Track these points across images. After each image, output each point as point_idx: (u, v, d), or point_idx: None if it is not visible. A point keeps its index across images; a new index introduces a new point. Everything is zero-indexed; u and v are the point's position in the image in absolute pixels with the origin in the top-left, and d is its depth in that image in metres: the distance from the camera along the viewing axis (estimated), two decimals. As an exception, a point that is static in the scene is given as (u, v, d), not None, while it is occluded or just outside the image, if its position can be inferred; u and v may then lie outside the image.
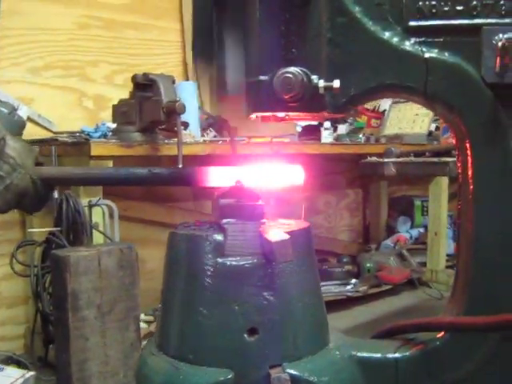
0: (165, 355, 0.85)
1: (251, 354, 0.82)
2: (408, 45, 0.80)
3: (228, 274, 0.81)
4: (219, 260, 0.81)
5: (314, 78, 0.76)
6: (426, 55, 0.80)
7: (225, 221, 0.84)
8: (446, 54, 0.80)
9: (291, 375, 0.81)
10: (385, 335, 0.92)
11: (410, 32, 0.80)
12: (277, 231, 0.77)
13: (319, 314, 0.88)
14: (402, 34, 0.80)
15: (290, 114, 0.80)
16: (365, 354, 0.90)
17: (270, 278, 0.80)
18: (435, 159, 2.10)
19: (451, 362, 0.90)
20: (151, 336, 2.71)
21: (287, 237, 0.74)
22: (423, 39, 0.80)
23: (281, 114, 0.81)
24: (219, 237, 0.83)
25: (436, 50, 0.80)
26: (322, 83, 0.76)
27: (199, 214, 3.29)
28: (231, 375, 0.80)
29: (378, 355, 0.91)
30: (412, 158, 2.19)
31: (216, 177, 0.89)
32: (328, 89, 0.75)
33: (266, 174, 0.91)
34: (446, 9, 0.78)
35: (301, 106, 0.77)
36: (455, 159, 2.08)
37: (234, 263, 0.81)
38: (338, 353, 0.88)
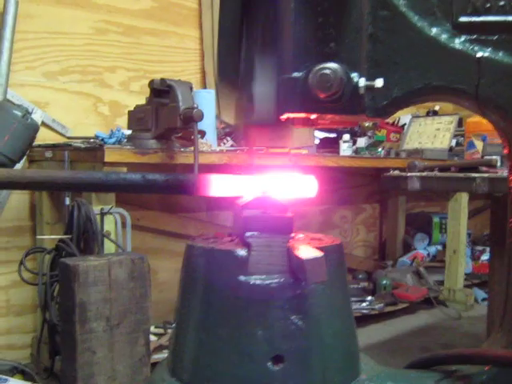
0: (178, 382, 0.76)
1: (275, 385, 0.73)
2: (458, 43, 0.71)
3: (252, 294, 0.71)
4: (242, 278, 0.72)
5: (354, 76, 0.68)
6: (478, 55, 0.71)
7: (249, 234, 0.75)
8: (501, 53, 0.71)
9: (319, 410, 0.72)
10: (422, 365, 0.82)
11: (461, 29, 0.71)
12: (308, 247, 0.69)
13: (351, 340, 0.78)
14: (451, 31, 0.71)
15: (325, 116, 0.72)
16: (402, 388, 0.81)
17: (298, 300, 0.71)
18: (461, 174, 2.01)
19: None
20: (161, 349, 2.64)
21: (321, 254, 0.65)
22: (475, 37, 0.71)
23: (314, 117, 0.73)
24: (242, 252, 0.74)
25: (489, 49, 0.71)
26: (362, 82, 0.68)
27: (213, 226, 3.24)
28: (252, 408, 0.72)
29: (417, 389, 0.82)
30: (437, 173, 2.10)
31: (220, 186, 0.80)
32: (369, 89, 0.67)
33: (276, 184, 0.82)
34: (502, 3, 0.70)
35: (338, 108, 0.69)
36: (482, 175, 2.02)
37: (258, 282, 0.71)
38: (371, 385, 0.79)
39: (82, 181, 0.76)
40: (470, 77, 0.70)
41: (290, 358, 0.71)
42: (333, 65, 0.67)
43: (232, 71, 0.81)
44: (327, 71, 0.66)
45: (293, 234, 0.78)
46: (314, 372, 0.73)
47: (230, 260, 0.73)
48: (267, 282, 0.72)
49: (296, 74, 0.68)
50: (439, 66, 0.71)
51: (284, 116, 0.73)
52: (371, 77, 0.68)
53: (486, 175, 1.91)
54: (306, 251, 0.67)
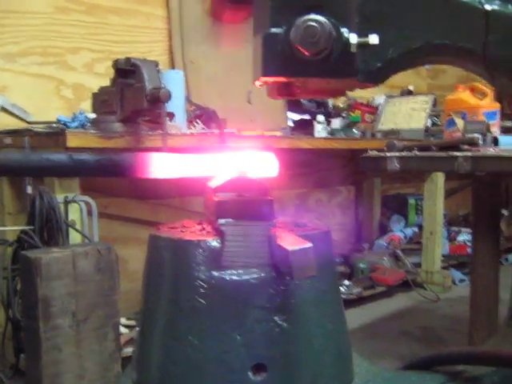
0: (143, 395, 0.65)
1: (257, 399, 0.62)
2: (463, -6, 0.62)
3: (227, 292, 0.60)
4: (215, 273, 0.61)
5: (344, 31, 0.58)
6: (487, 7, 0.60)
7: (222, 221, 0.63)
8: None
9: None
10: (422, 366, 0.73)
11: (466, -23, 0.62)
12: (293, 236, 0.58)
13: (343, 341, 0.68)
14: (455, -20, 0.62)
15: (309, 81, 0.61)
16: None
17: (282, 298, 0.60)
18: (443, 154, 1.93)
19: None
20: (132, 343, 2.53)
21: (309, 245, 0.54)
22: (482, -13, 0.62)
23: (295, 81, 0.62)
24: (215, 242, 0.63)
25: (498, 2, 0.61)
26: (354, 38, 0.57)
27: (187, 212, 3.14)
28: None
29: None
30: (417, 153, 2.02)
31: (162, 165, 0.68)
32: (362, 46, 0.57)
33: (230, 163, 0.70)
34: None
35: (325, 69, 0.58)
36: (465, 154, 1.94)
37: (234, 278, 0.60)
38: (366, 392, 0.69)
39: None
40: (477, 33, 0.60)
41: (273, 367, 0.60)
42: (319, 17, 0.56)
43: None
44: (313, 23, 0.55)
45: (274, 221, 0.67)
46: (302, 381, 0.63)
47: (200, 252, 0.62)
48: (245, 277, 0.61)
49: (275, 30, 0.57)
50: (441, 21, 0.60)
51: (260, 81, 0.62)
52: (363, 34, 0.58)
53: (468, 154, 1.83)
54: (291, 241, 0.56)
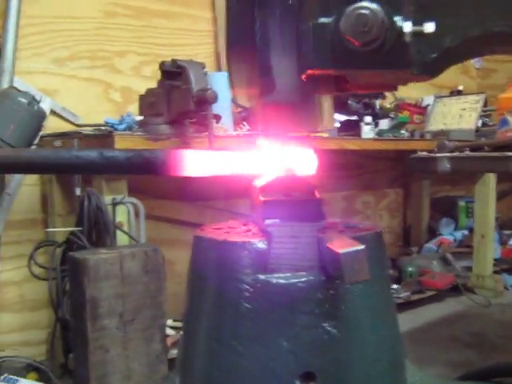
0: (187, 401, 0.63)
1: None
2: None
3: (273, 296, 0.57)
4: (261, 276, 0.58)
5: (398, 19, 0.54)
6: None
7: (269, 222, 0.61)
8: None
9: None
10: (480, 377, 0.69)
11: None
12: (343, 237, 0.55)
13: (397, 349, 0.64)
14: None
15: (360, 74, 0.58)
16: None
17: (332, 303, 0.57)
18: (496, 154, 1.86)
19: None
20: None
21: (361, 247, 0.51)
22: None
23: (345, 74, 0.59)
24: (261, 244, 0.60)
25: None
26: (408, 27, 0.54)
27: (233, 214, 3.13)
28: None
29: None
30: (469, 153, 1.95)
31: (197, 163, 0.65)
32: (417, 35, 0.53)
33: (268, 160, 0.67)
34: None
35: (377, 61, 0.55)
36: (520, 153, 1.87)
37: (281, 281, 0.58)
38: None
39: (25, 160, 0.63)
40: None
41: (322, 376, 0.57)
42: (371, 4, 0.53)
43: (243, 36, 0.67)
44: (365, 11, 0.52)
45: (323, 222, 0.64)
46: (353, 391, 0.60)
47: (246, 254, 0.60)
48: (292, 280, 0.58)
49: (324, 20, 0.54)
50: (502, 7, 0.56)
51: (305, 74, 0.59)
52: (417, 22, 0.54)
53: (523, 154, 1.76)
54: (342, 243, 0.53)
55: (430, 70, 0.58)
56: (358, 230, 0.67)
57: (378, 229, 0.67)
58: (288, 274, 0.59)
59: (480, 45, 0.58)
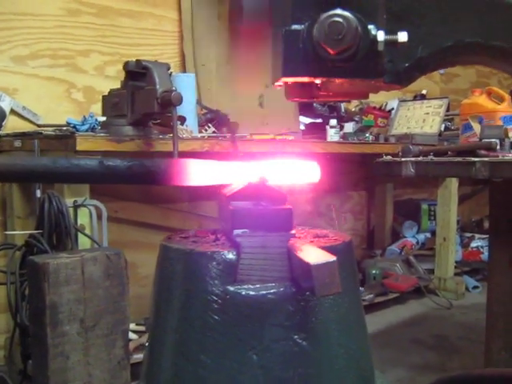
0: (151, 416, 0.61)
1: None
2: (497, -11, 0.57)
3: (242, 308, 0.55)
4: (230, 288, 0.56)
5: (371, 28, 0.53)
6: (524, 4, 0.57)
7: (238, 232, 0.59)
8: (550, 1, 0.57)
9: None
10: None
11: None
12: (314, 248, 0.53)
13: (366, 360, 0.63)
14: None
15: (332, 82, 0.57)
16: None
17: (302, 316, 0.55)
18: (460, 159, 1.89)
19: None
20: (142, 349, 2.50)
21: (333, 258, 0.49)
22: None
23: (318, 81, 0.57)
24: (230, 254, 0.58)
25: (536, -2, 0.57)
26: (381, 36, 0.53)
27: (196, 216, 3.10)
28: None
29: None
30: (433, 158, 1.97)
31: (198, 172, 0.63)
32: (390, 45, 0.52)
33: (272, 171, 0.67)
34: None
35: (350, 69, 0.54)
36: (483, 159, 1.89)
37: (251, 293, 0.56)
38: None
39: (21, 169, 0.60)
40: (512, 32, 0.56)
41: (292, 389, 0.56)
42: (345, 12, 0.52)
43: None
44: (339, 19, 0.51)
45: (293, 231, 0.62)
46: (323, 405, 0.58)
47: (214, 265, 0.58)
48: (262, 292, 0.56)
49: (296, 27, 0.53)
50: (475, 18, 0.56)
51: (279, 82, 0.58)
52: (391, 31, 0.53)
53: (486, 159, 1.78)
54: (313, 253, 0.51)
55: (401, 79, 0.57)
56: (329, 239, 0.65)
57: (347, 238, 0.65)
58: (258, 286, 0.57)
59: (452, 55, 0.58)
